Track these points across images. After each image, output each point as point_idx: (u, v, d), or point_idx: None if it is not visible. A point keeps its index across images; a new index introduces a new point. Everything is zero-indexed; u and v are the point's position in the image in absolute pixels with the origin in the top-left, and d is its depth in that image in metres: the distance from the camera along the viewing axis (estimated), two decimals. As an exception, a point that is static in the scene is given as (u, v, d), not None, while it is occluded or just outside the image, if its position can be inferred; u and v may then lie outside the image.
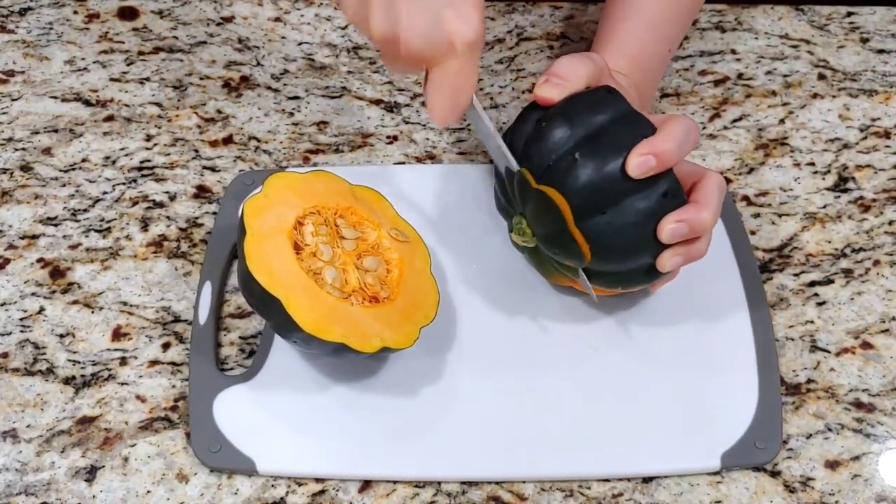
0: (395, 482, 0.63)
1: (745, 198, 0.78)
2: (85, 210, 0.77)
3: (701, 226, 0.61)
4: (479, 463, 0.63)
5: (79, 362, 0.69)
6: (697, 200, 0.62)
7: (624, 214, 0.60)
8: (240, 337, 0.70)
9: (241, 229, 0.64)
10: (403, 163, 0.80)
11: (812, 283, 0.73)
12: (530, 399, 0.66)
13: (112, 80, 0.86)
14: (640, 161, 0.59)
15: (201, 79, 0.86)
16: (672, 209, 0.61)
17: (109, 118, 0.83)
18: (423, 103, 0.61)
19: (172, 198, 0.78)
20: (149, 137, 0.82)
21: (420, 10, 0.58)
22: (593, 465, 0.63)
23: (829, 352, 0.69)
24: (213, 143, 0.81)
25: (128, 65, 0.87)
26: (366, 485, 0.63)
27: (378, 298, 0.64)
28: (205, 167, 0.80)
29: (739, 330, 0.69)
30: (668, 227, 0.60)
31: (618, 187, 0.60)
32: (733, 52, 0.89)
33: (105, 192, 0.78)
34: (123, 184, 0.79)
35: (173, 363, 0.69)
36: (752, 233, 0.75)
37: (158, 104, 0.84)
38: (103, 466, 0.64)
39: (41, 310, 0.71)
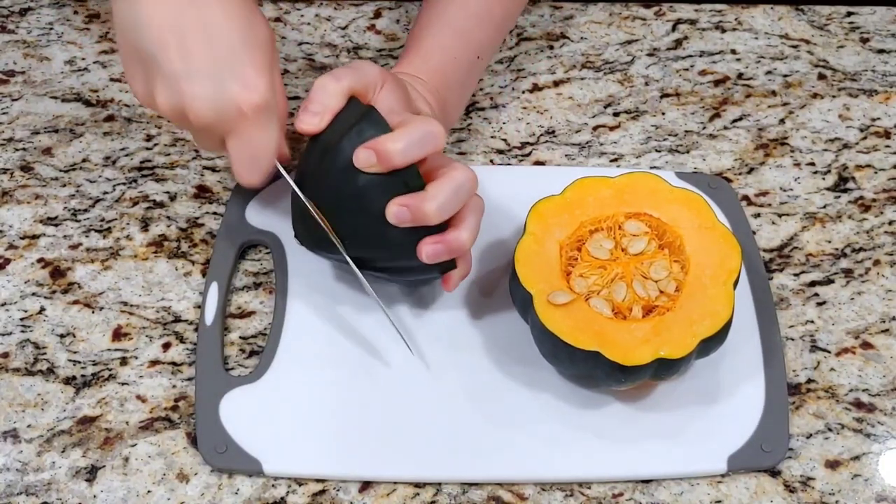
0: (395, 483, 0.63)
1: (745, 198, 0.78)
2: (85, 210, 0.77)
3: (423, 216, 0.62)
4: (482, 464, 0.63)
5: (79, 362, 0.69)
6: (430, 192, 0.62)
7: (366, 210, 0.63)
8: (240, 337, 0.70)
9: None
10: (404, 163, 0.80)
11: (812, 283, 0.73)
12: (533, 400, 0.66)
13: (112, 80, 0.86)
14: (364, 155, 0.62)
15: (201, 79, 0.86)
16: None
17: (110, 118, 0.83)
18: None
19: (173, 198, 0.78)
20: (149, 137, 0.82)
21: (203, 82, 0.60)
22: (597, 467, 0.63)
23: (829, 352, 0.69)
24: (214, 143, 0.81)
25: (128, 65, 0.87)
26: (366, 485, 0.63)
27: (653, 309, 0.64)
28: (205, 167, 0.80)
29: (746, 331, 0.69)
30: (392, 210, 0.62)
31: (352, 186, 0.63)
32: (733, 52, 0.89)
33: (105, 192, 0.78)
34: (124, 184, 0.79)
35: (174, 363, 0.69)
36: (753, 233, 0.75)
37: (159, 104, 0.84)
38: (104, 466, 0.64)
39: (42, 310, 0.71)
